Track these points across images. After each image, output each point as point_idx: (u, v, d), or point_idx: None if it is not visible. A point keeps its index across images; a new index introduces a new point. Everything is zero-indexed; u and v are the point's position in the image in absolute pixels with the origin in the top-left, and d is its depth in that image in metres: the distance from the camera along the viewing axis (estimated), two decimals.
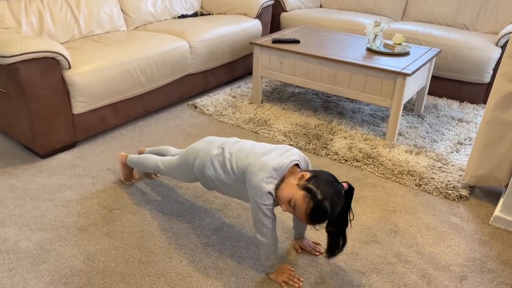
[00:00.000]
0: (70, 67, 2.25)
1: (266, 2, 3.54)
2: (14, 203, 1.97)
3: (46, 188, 2.08)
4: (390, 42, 2.78)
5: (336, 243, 1.50)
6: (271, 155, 1.50)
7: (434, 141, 2.63)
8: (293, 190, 1.41)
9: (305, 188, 1.39)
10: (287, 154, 1.51)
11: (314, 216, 1.38)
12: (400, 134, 2.70)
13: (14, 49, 1.98)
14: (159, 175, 2.20)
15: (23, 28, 2.55)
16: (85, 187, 2.10)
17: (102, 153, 2.41)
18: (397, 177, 2.25)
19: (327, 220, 1.42)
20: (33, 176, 2.18)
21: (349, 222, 1.48)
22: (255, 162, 1.48)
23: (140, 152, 2.23)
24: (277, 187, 1.46)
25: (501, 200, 1.98)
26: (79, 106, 2.33)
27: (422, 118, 2.93)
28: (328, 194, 1.37)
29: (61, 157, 2.35)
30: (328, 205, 1.36)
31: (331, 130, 2.72)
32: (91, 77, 2.32)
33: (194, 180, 1.78)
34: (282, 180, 1.47)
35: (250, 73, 3.66)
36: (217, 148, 1.64)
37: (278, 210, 1.97)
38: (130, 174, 2.14)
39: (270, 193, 1.44)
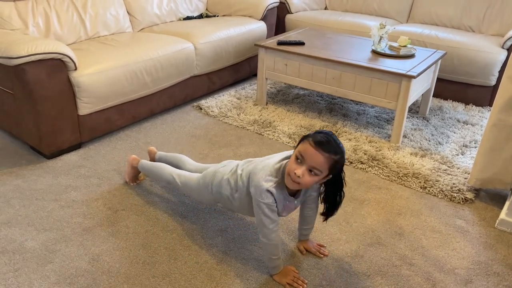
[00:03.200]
0: (76, 69, 2.26)
1: (271, 4, 3.55)
2: (20, 203, 1.98)
3: (51, 188, 2.09)
4: (395, 44, 2.77)
5: (334, 202, 1.52)
6: (274, 158, 1.54)
7: (439, 143, 2.62)
8: (294, 154, 1.43)
9: (301, 141, 1.42)
10: (289, 154, 1.54)
11: (321, 143, 1.36)
12: (405, 136, 2.69)
13: (21, 51, 2.00)
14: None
15: (30, 30, 2.57)
16: (91, 188, 2.11)
17: (108, 154, 2.42)
18: (402, 179, 2.25)
19: (337, 151, 1.38)
20: (39, 176, 2.19)
21: (344, 180, 1.49)
22: (258, 165, 1.52)
23: (150, 152, 2.21)
24: (278, 185, 1.47)
25: (507, 203, 1.97)
26: (85, 107, 2.34)
27: (427, 121, 2.93)
28: (317, 131, 1.42)
29: (66, 157, 2.36)
30: (325, 134, 1.39)
31: (336, 132, 2.72)
32: (97, 79, 2.33)
33: (212, 201, 1.77)
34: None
35: (255, 75, 3.67)
36: (232, 168, 1.66)
37: None
38: (136, 176, 2.15)
39: (268, 190, 1.44)
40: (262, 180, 1.45)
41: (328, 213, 1.56)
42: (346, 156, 2.40)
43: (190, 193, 1.87)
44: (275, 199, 1.47)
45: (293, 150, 1.54)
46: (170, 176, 1.89)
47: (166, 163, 2.04)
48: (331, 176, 1.43)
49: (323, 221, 1.61)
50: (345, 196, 1.54)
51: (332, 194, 1.51)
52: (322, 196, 1.55)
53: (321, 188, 1.57)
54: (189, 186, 1.82)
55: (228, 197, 1.65)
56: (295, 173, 1.38)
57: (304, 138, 1.42)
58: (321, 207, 1.61)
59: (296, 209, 1.65)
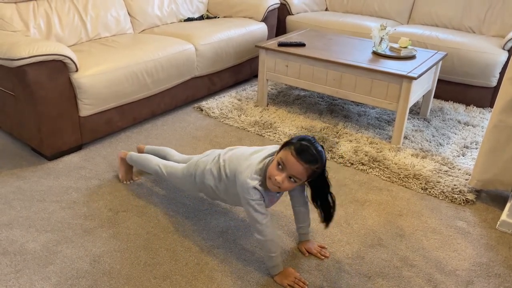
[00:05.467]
0: (77, 70, 2.26)
1: (272, 5, 3.55)
2: (21, 204, 1.98)
3: (52, 190, 2.10)
4: (396, 46, 2.77)
5: (327, 206, 1.56)
6: (258, 155, 1.58)
7: (440, 144, 2.62)
8: (275, 159, 1.48)
9: (282, 147, 1.49)
10: (271, 152, 1.58)
11: (302, 153, 1.42)
12: (406, 137, 2.69)
13: (22, 52, 2.00)
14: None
15: (31, 31, 2.57)
16: (91, 189, 2.11)
17: (109, 155, 2.42)
18: (403, 180, 2.25)
19: (317, 160, 1.44)
20: (40, 178, 2.19)
21: (329, 181, 1.54)
22: (243, 163, 1.56)
23: (139, 149, 2.26)
24: (262, 183, 1.51)
25: (508, 205, 1.97)
26: (86, 108, 2.35)
27: (428, 122, 2.92)
28: (300, 137, 1.48)
29: (67, 159, 2.37)
30: (307, 143, 1.45)
31: (337, 133, 2.72)
32: (98, 80, 2.33)
33: (197, 191, 1.83)
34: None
35: (256, 76, 3.67)
36: (214, 157, 1.71)
37: (275, 208, 1.97)
38: (128, 172, 2.16)
39: (255, 188, 1.49)
40: (248, 178, 1.50)
41: (325, 218, 1.59)
42: (347, 158, 2.41)
43: (175, 183, 1.93)
44: (262, 195, 1.52)
45: (276, 146, 1.60)
46: (156, 167, 1.95)
47: (154, 155, 2.11)
48: (310, 179, 1.51)
49: (325, 228, 1.63)
50: (336, 198, 1.58)
51: (320, 197, 1.56)
52: (314, 203, 1.59)
53: (305, 188, 1.64)
54: (174, 176, 1.88)
55: (211, 187, 1.70)
56: (275, 179, 1.45)
57: (286, 145, 1.47)
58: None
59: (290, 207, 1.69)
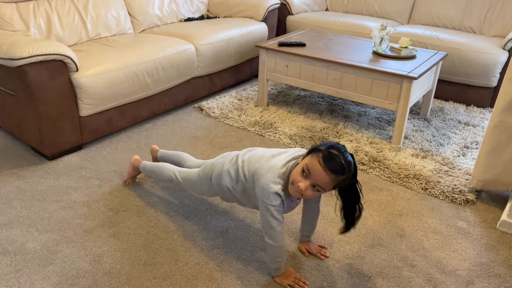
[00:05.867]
0: (77, 70, 2.26)
1: (272, 5, 3.55)
2: (22, 204, 1.98)
3: (53, 189, 2.10)
4: (396, 46, 2.77)
5: (353, 214, 1.47)
6: (280, 157, 1.51)
7: (441, 144, 2.62)
8: (300, 164, 1.41)
9: (308, 153, 1.41)
10: (295, 156, 1.51)
11: (330, 162, 1.33)
12: (406, 137, 2.69)
13: (23, 52, 2.00)
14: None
15: (31, 31, 2.57)
16: (92, 189, 2.11)
17: (109, 155, 2.42)
18: (403, 180, 2.25)
19: (344, 171, 1.35)
20: (40, 177, 2.19)
21: (360, 192, 1.45)
22: (264, 165, 1.48)
23: (153, 150, 2.21)
24: (285, 188, 1.45)
25: (508, 205, 1.97)
26: (86, 108, 2.35)
27: (428, 122, 2.92)
28: (329, 144, 1.39)
29: (68, 159, 2.37)
30: (337, 152, 1.36)
31: (337, 133, 2.72)
32: (98, 80, 2.33)
33: (213, 194, 1.77)
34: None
35: (256, 76, 3.67)
36: (231, 158, 1.65)
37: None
38: (135, 176, 2.16)
39: (277, 193, 1.43)
40: (271, 182, 1.43)
41: (347, 228, 1.51)
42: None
43: (191, 188, 1.86)
44: (282, 201, 1.46)
45: (298, 150, 1.55)
46: (171, 174, 1.89)
47: (168, 161, 2.06)
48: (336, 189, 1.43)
49: (340, 233, 1.57)
50: (363, 209, 1.49)
51: (348, 208, 1.47)
52: (341, 212, 1.49)
53: (337, 201, 1.52)
54: (189, 180, 1.82)
55: (228, 188, 1.64)
56: (298, 186, 1.38)
57: (314, 151, 1.39)
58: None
59: (298, 209, 1.65)
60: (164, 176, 1.94)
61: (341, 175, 1.36)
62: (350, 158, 1.38)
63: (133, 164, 2.10)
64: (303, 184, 1.37)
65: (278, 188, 1.43)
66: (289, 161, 1.49)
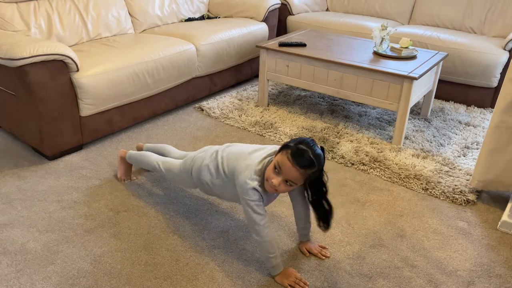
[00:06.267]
0: (78, 70, 2.26)
1: (272, 5, 3.55)
2: (22, 204, 1.98)
3: (53, 189, 2.10)
4: (397, 46, 2.77)
5: (323, 210, 1.56)
6: (257, 154, 1.57)
7: (441, 145, 2.62)
8: (273, 161, 1.47)
9: (279, 150, 1.48)
10: (271, 152, 1.57)
11: (298, 158, 1.40)
12: (406, 138, 2.69)
13: (23, 52, 2.00)
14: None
15: (32, 31, 2.57)
16: (92, 189, 2.11)
17: (109, 155, 2.42)
18: (403, 181, 2.25)
19: (313, 165, 1.42)
20: (41, 178, 2.19)
21: (326, 185, 1.53)
22: (242, 163, 1.55)
23: (139, 148, 2.28)
24: (262, 183, 1.51)
25: (509, 205, 1.97)
26: (86, 108, 2.35)
27: (429, 122, 2.92)
28: (298, 140, 1.46)
29: (68, 159, 2.37)
30: (305, 147, 1.42)
31: (337, 133, 2.72)
32: (99, 80, 2.33)
33: (193, 186, 1.84)
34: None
35: (256, 76, 3.67)
36: (211, 154, 1.71)
37: (275, 208, 1.97)
38: (127, 171, 2.17)
39: (255, 189, 1.49)
40: (248, 179, 1.49)
41: (322, 222, 1.59)
42: (348, 158, 2.41)
43: (172, 179, 1.93)
44: (261, 195, 1.51)
45: (275, 146, 1.60)
46: (155, 163, 1.96)
47: (154, 152, 2.12)
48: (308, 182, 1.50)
49: (324, 231, 1.63)
50: (332, 202, 1.57)
51: (316, 201, 1.55)
52: (311, 205, 1.60)
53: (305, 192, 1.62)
54: (171, 172, 1.89)
55: (207, 183, 1.70)
56: (272, 182, 1.45)
57: (284, 148, 1.46)
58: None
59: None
60: (149, 165, 2.00)
61: (310, 169, 1.42)
62: (319, 151, 1.45)
63: (121, 156, 2.15)
64: (276, 180, 1.44)
65: (255, 184, 1.49)
66: (265, 157, 1.55)
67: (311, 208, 1.61)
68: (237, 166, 1.55)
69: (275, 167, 1.45)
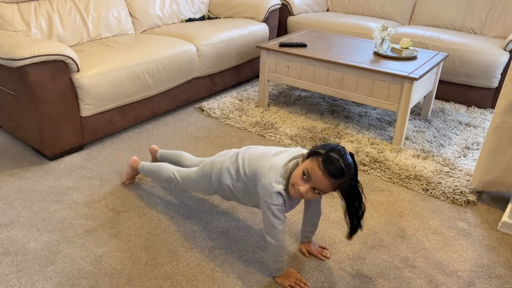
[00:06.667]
0: (78, 70, 2.27)
1: (273, 6, 3.55)
2: (22, 204, 1.98)
3: (54, 190, 2.10)
4: (397, 46, 2.77)
5: (355, 214, 1.46)
6: (281, 156, 1.51)
7: (442, 145, 2.62)
8: (301, 167, 1.41)
9: (308, 156, 1.41)
10: (296, 155, 1.51)
11: (329, 167, 1.34)
12: (407, 138, 2.69)
13: (24, 52, 2.00)
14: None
15: (32, 31, 2.57)
16: (93, 189, 2.11)
17: (110, 155, 2.42)
18: (404, 181, 2.25)
19: (344, 175, 1.36)
20: (41, 178, 2.19)
21: (362, 193, 1.44)
22: (265, 164, 1.49)
23: (152, 150, 2.22)
24: (287, 187, 1.46)
25: (509, 206, 1.97)
26: (87, 108, 2.35)
27: (429, 123, 2.92)
28: (329, 147, 1.39)
29: (69, 159, 2.37)
30: (336, 155, 1.36)
31: (338, 134, 2.72)
32: (99, 80, 2.34)
33: (212, 192, 1.77)
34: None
35: (257, 77, 3.67)
36: (231, 156, 1.65)
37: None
38: (134, 177, 2.16)
39: (279, 193, 1.44)
40: (273, 182, 1.43)
41: (353, 231, 1.50)
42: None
43: (190, 187, 1.87)
44: (284, 200, 1.46)
45: (299, 149, 1.55)
46: (170, 174, 1.89)
47: (168, 161, 2.06)
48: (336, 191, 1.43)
49: (348, 239, 1.54)
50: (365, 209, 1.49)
51: (352, 209, 1.47)
52: (345, 213, 1.49)
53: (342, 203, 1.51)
54: (188, 179, 1.82)
55: (228, 186, 1.64)
56: (299, 189, 1.39)
57: (314, 154, 1.39)
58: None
59: (299, 209, 1.65)
60: (163, 177, 1.93)
61: (340, 178, 1.36)
62: (350, 160, 1.38)
63: (132, 165, 2.09)
64: (303, 187, 1.39)
65: (280, 188, 1.43)
66: (290, 160, 1.49)
67: (345, 218, 1.50)
68: (260, 168, 1.49)
69: (303, 174, 1.38)
